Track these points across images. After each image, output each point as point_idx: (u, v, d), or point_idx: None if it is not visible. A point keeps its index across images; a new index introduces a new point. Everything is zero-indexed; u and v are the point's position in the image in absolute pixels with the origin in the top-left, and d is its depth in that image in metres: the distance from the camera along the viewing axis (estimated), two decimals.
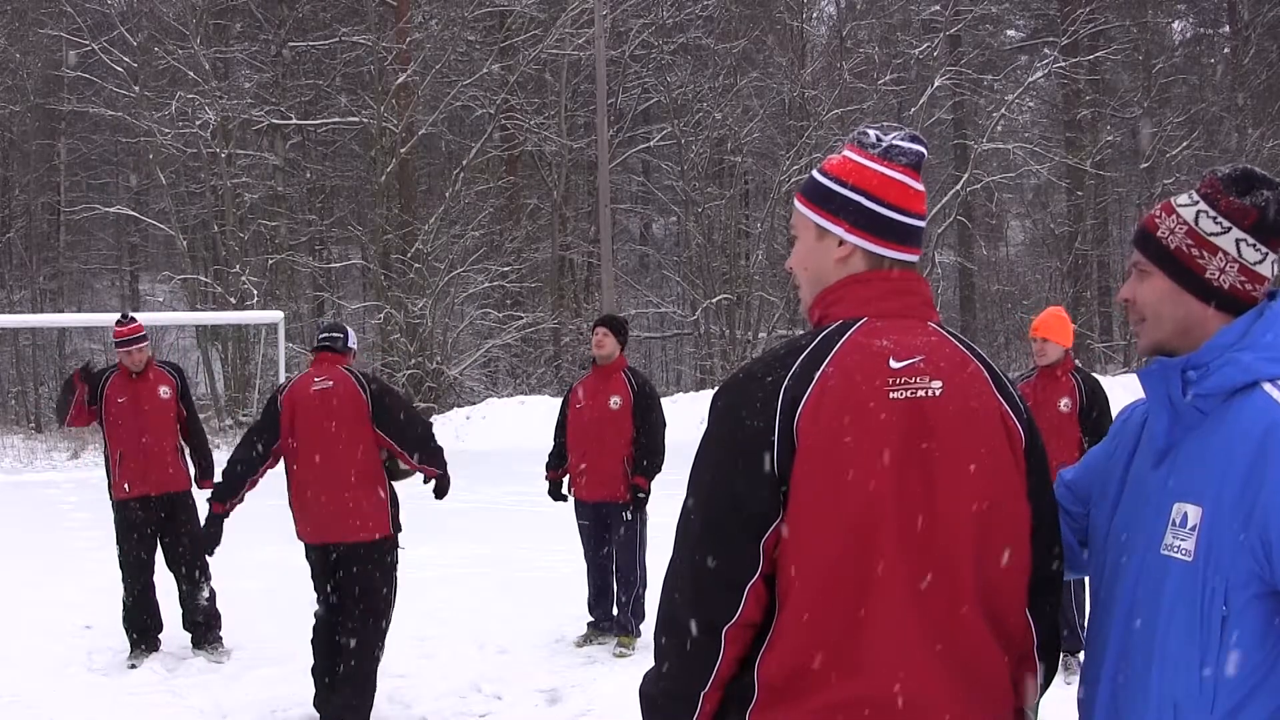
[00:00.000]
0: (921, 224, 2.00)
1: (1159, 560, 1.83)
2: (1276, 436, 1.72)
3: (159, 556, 7.12)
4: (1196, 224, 1.87)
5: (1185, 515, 1.80)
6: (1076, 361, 6.48)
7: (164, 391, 7.10)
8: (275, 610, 8.03)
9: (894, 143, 2.00)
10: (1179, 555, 1.79)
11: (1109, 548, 1.98)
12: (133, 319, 7.24)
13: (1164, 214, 1.91)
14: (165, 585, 7.17)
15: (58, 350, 30.14)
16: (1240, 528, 1.72)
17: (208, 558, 7.08)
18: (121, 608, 7.04)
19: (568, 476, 7.37)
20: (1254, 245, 1.85)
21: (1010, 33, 32.71)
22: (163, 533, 7.05)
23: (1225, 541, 1.74)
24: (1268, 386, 1.78)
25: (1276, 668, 1.72)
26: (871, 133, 2.03)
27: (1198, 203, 1.89)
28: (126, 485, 6.96)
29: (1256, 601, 1.71)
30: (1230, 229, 1.85)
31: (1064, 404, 6.19)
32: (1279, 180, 1.89)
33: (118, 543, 7.02)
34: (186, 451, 7.26)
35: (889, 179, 1.97)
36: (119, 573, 7.03)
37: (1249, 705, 1.71)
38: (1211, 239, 1.85)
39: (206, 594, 7.12)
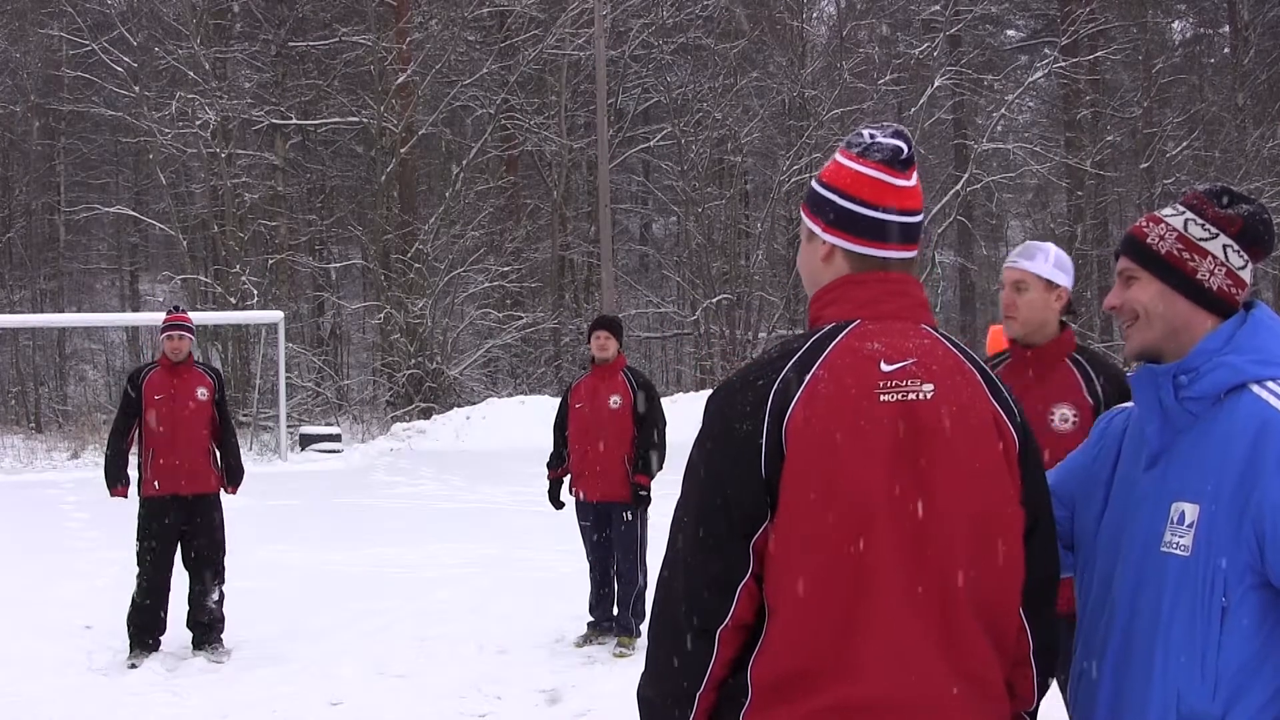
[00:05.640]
0: (904, 219, 1.97)
1: (1158, 558, 1.92)
2: (1269, 435, 1.82)
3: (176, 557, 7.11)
4: (1186, 230, 2.00)
5: (1183, 513, 1.90)
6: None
7: (201, 393, 7.15)
8: (275, 610, 8.04)
9: (872, 139, 2.01)
10: (1178, 551, 1.89)
11: (1100, 551, 2.06)
12: (184, 311, 7.42)
13: (1150, 224, 2.04)
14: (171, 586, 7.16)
15: (58, 350, 30.12)
16: (1236, 523, 1.82)
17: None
18: (130, 604, 7.02)
19: (568, 477, 7.38)
20: (1238, 251, 1.99)
21: (1010, 33, 32.76)
22: (184, 532, 7.05)
23: (1222, 536, 1.83)
24: (1256, 388, 1.89)
25: (1273, 653, 1.82)
26: (865, 133, 2.04)
27: (1184, 212, 2.02)
28: (156, 483, 6.98)
29: (1252, 593, 1.82)
30: (1218, 235, 1.99)
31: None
32: (1254, 196, 2.08)
33: (139, 539, 7.02)
34: (217, 454, 7.27)
35: (860, 175, 1.98)
36: (135, 568, 7.02)
37: (1248, 690, 1.81)
38: (1201, 244, 1.99)
39: (216, 596, 7.12)
